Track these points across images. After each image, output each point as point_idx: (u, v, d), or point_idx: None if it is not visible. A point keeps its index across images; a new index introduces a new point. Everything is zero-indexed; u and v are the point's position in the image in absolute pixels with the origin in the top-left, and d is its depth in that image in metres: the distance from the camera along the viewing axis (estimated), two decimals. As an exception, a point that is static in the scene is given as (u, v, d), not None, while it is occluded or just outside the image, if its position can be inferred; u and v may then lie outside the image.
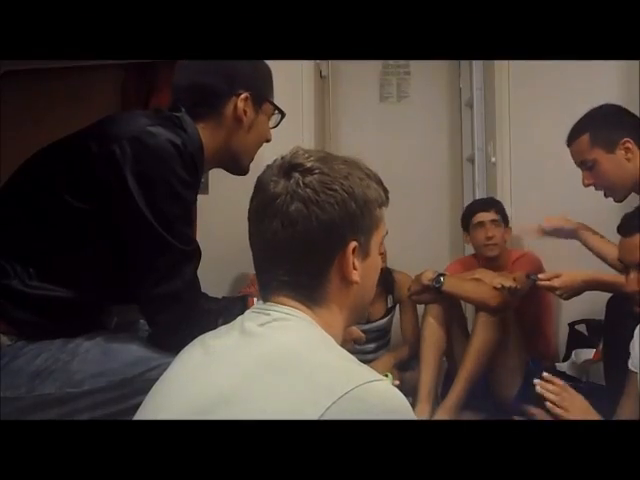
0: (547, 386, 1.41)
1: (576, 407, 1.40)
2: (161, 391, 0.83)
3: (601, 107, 1.94)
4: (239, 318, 0.84)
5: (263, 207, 0.81)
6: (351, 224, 0.81)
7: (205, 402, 0.72)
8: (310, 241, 0.78)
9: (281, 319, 0.79)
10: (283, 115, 1.36)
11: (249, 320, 0.81)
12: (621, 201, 1.91)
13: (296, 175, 0.79)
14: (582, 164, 1.92)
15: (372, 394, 0.68)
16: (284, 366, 0.72)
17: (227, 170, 1.38)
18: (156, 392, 0.83)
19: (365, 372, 0.71)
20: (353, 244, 0.81)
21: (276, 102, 1.35)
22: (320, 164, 0.80)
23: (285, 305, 0.80)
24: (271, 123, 1.36)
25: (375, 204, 0.84)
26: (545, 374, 1.45)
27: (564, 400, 1.40)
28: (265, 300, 0.83)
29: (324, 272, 0.81)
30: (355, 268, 0.82)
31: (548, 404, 1.40)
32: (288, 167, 0.80)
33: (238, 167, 1.36)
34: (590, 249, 2.01)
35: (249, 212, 0.84)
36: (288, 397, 0.68)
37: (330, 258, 0.81)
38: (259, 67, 1.33)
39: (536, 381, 1.43)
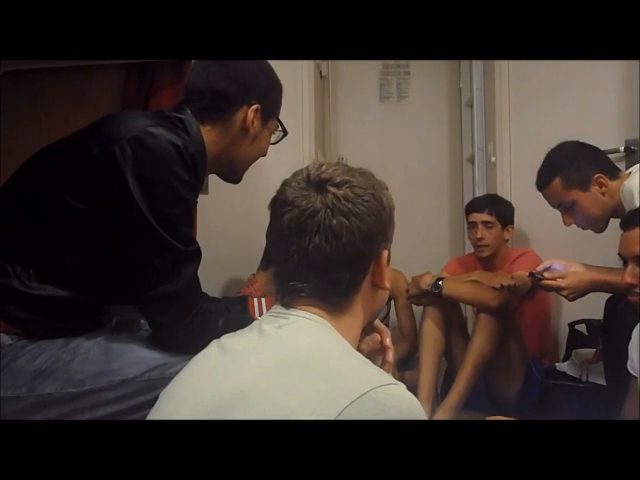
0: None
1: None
2: (176, 391, 0.83)
3: (560, 147, 1.98)
4: (256, 322, 0.86)
5: (300, 222, 0.81)
6: (384, 232, 0.85)
7: (223, 400, 0.74)
8: (353, 252, 0.81)
9: (299, 322, 0.81)
10: (285, 134, 1.37)
11: (267, 323, 0.82)
12: (602, 231, 1.95)
13: (332, 189, 0.81)
14: (560, 206, 1.97)
15: (388, 397, 0.70)
16: (303, 366, 0.74)
17: (220, 176, 1.39)
18: (170, 392, 0.84)
19: (382, 375, 0.74)
20: (386, 252, 0.85)
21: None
22: (348, 177, 0.83)
23: (306, 311, 0.82)
24: (272, 139, 1.37)
25: (394, 211, 0.88)
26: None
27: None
28: (287, 306, 0.84)
29: (359, 281, 0.84)
30: (385, 275, 0.86)
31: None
32: (318, 182, 0.82)
33: (233, 175, 1.38)
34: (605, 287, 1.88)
35: (279, 230, 0.84)
36: (306, 396, 0.70)
37: (367, 267, 0.84)
38: (274, 82, 1.34)
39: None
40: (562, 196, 1.94)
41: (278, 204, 0.85)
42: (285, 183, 0.86)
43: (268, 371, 0.74)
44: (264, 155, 1.38)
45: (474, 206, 2.56)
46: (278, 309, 0.85)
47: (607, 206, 1.89)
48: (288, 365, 0.74)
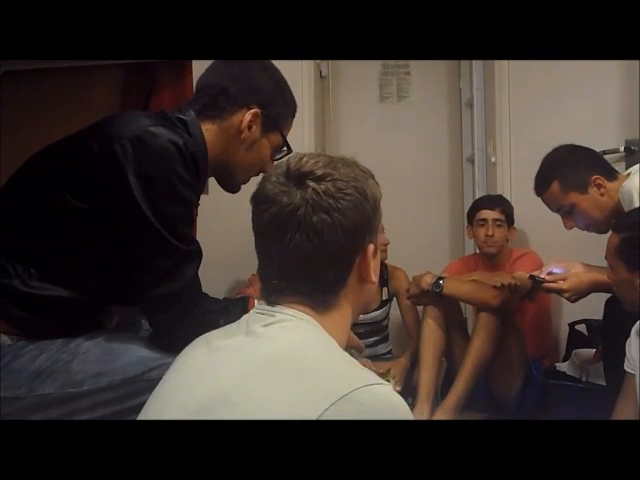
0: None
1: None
2: (164, 392, 0.82)
3: (555, 151, 1.98)
4: (244, 318, 0.84)
5: (281, 220, 0.78)
6: (368, 226, 0.81)
7: (208, 402, 0.73)
8: (336, 249, 0.78)
9: (285, 321, 0.79)
10: (289, 151, 1.34)
11: (254, 321, 0.81)
12: (605, 232, 1.92)
13: (311, 184, 0.78)
14: (560, 210, 1.97)
15: (371, 397, 0.68)
16: (285, 367, 0.72)
17: (219, 182, 1.37)
18: (159, 393, 0.83)
19: (366, 375, 0.71)
20: (372, 246, 0.82)
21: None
22: (330, 169, 0.79)
23: (292, 308, 0.80)
24: (275, 154, 1.34)
25: (380, 201, 0.84)
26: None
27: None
28: (273, 303, 0.82)
29: (344, 277, 0.81)
30: (372, 268, 0.83)
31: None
32: (298, 176, 0.79)
33: (229, 182, 1.35)
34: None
35: (260, 226, 0.82)
36: (287, 398, 0.68)
37: (352, 263, 0.81)
38: (284, 95, 1.33)
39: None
40: (561, 200, 1.94)
41: (258, 200, 0.82)
42: (265, 178, 0.83)
43: (251, 372, 0.73)
44: (265, 170, 1.34)
45: (485, 203, 2.57)
46: (264, 306, 0.83)
47: (606, 207, 1.88)
48: (271, 366, 0.72)
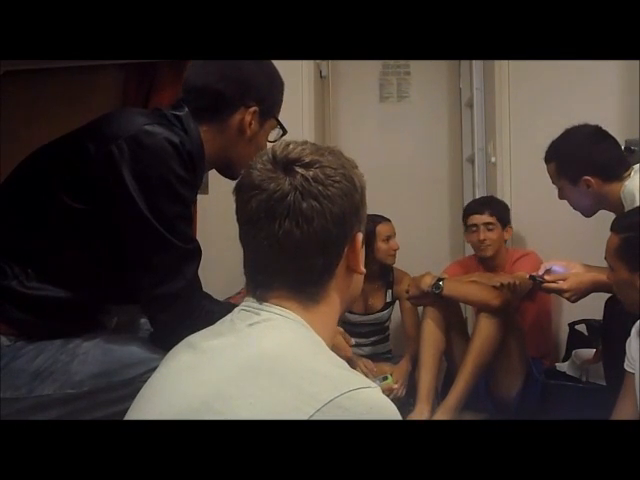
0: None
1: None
2: (148, 396, 0.80)
3: (573, 134, 1.99)
4: (229, 316, 0.82)
5: (269, 206, 0.76)
6: (357, 214, 0.80)
7: (189, 409, 0.71)
8: (325, 237, 0.76)
9: (271, 319, 0.77)
10: (284, 133, 1.34)
11: (239, 319, 0.79)
12: (589, 217, 2.02)
13: (300, 170, 0.76)
14: (553, 183, 2.05)
15: (357, 402, 0.66)
16: (268, 373, 0.70)
17: (219, 172, 1.38)
18: (142, 397, 0.81)
19: (352, 379, 0.69)
20: (360, 235, 0.81)
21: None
22: (317, 157, 0.78)
23: (280, 306, 0.78)
24: (271, 137, 1.34)
25: (365, 190, 0.83)
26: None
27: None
28: (260, 299, 0.80)
29: (333, 266, 0.79)
30: (360, 258, 0.82)
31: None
32: (286, 162, 0.77)
33: (231, 172, 1.35)
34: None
35: (246, 214, 0.79)
36: (271, 404, 0.67)
37: (341, 252, 0.80)
38: (275, 81, 1.33)
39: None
40: (554, 179, 2.02)
41: (243, 188, 0.79)
42: (250, 166, 0.80)
43: (233, 378, 0.71)
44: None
45: (474, 208, 2.56)
46: (250, 303, 0.81)
47: (592, 201, 1.94)
48: (253, 372, 0.70)
